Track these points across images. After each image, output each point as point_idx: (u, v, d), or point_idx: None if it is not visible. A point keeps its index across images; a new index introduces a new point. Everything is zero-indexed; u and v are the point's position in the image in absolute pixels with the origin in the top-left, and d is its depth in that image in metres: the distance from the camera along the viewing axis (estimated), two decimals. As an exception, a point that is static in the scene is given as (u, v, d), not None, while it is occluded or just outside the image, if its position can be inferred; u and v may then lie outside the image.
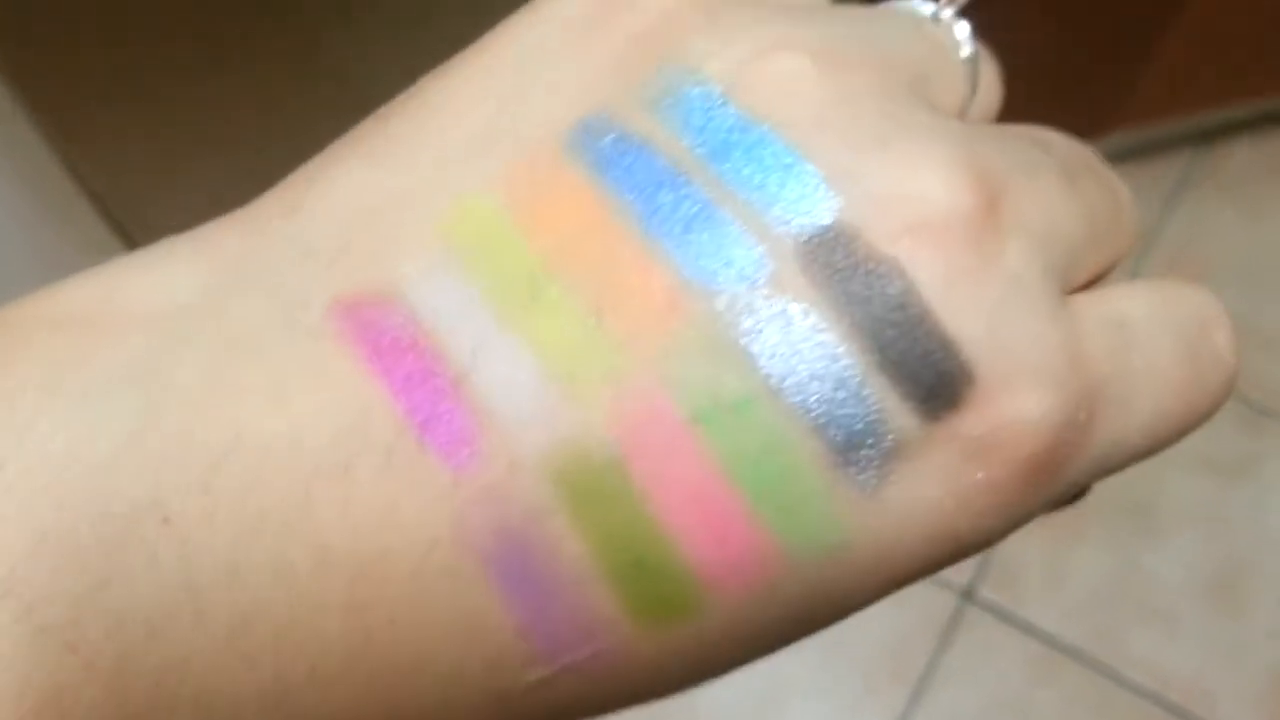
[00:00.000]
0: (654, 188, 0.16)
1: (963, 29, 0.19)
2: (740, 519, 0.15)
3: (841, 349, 0.15)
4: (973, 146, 0.16)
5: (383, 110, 0.18)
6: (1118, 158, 1.31)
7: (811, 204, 0.15)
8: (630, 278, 0.15)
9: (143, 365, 0.15)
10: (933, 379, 0.15)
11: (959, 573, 1.15)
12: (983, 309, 0.15)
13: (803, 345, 0.15)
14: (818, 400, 0.15)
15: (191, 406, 0.15)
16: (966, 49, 0.19)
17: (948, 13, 0.19)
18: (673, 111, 0.16)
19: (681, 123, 0.16)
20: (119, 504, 0.14)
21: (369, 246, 0.16)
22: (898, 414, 0.15)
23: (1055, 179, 0.17)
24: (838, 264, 0.15)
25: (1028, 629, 1.14)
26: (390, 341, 0.15)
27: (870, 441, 0.15)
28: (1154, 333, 0.17)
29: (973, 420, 0.15)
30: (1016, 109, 0.20)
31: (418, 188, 0.16)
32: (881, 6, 0.19)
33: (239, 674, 0.14)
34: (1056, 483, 0.16)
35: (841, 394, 0.15)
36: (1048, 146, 0.18)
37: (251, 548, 0.14)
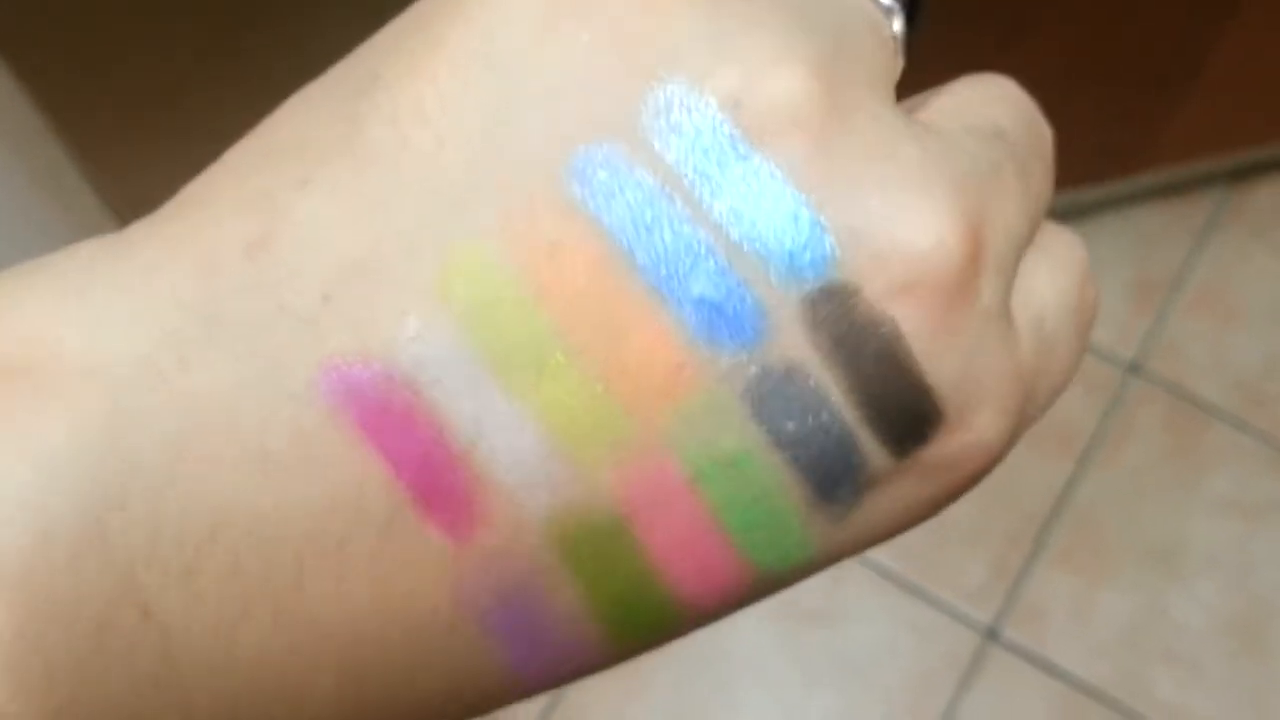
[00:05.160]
0: (656, 229, 0.15)
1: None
2: (725, 556, 0.16)
3: (835, 402, 0.16)
4: (954, 171, 0.16)
5: (345, 108, 0.16)
6: (1147, 196, 1.31)
7: (815, 257, 0.15)
8: (635, 339, 0.15)
9: (101, 438, 0.13)
10: (909, 424, 0.16)
11: (983, 612, 1.15)
12: (959, 353, 0.16)
13: (801, 402, 0.15)
14: (808, 451, 0.16)
15: (161, 486, 0.13)
16: (898, 23, 0.18)
17: None
18: (675, 138, 0.15)
19: (685, 152, 0.15)
20: (91, 602, 0.13)
21: (354, 303, 0.15)
22: (875, 456, 0.16)
23: (1013, 183, 0.17)
24: (838, 321, 0.15)
25: (1051, 669, 1.13)
26: (385, 410, 0.14)
27: (848, 482, 0.16)
28: (1062, 324, 0.18)
29: (935, 450, 0.16)
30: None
31: (403, 235, 0.15)
32: None
33: None
34: (984, 478, 0.18)
35: (830, 444, 0.16)
36: (1002, 133, 0.18)
37: (238, 632, 0.14)
